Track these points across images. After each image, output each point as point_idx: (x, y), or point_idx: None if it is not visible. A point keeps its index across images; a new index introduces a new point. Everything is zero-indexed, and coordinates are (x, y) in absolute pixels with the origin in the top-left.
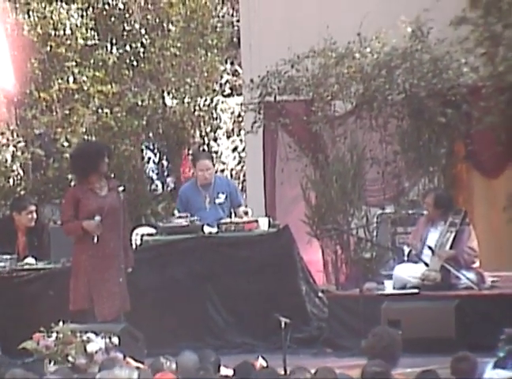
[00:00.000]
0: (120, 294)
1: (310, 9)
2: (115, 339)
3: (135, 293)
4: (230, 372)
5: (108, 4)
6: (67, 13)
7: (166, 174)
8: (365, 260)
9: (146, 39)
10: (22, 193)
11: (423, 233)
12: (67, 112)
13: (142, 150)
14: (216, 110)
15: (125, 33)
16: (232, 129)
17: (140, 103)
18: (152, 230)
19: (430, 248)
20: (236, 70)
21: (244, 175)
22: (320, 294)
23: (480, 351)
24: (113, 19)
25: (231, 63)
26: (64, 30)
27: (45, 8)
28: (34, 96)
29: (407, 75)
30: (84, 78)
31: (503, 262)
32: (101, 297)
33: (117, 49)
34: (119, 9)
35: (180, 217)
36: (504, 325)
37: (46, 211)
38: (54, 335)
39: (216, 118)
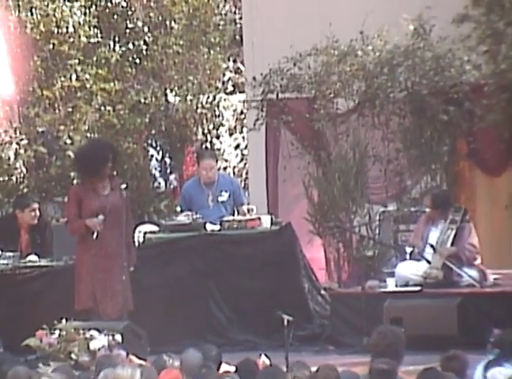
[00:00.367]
0: (123, 292)
1: (313, 7)
2: (118, 337)
3: (138, 291)
4: (231, 369)
5: (111, 2)
6: (70, 10)
7: (169, 171)
8: (367, 258)
9: (149, 37)
10: (25, 190)
11: (425, 231)
12: (70, 110)
13: (145, 147)
14: (218, 107)
15: (127, 31)
16: (235, 127)
17: (143, 100)
18: (155, 228)
19: (431, 246)
20: (239, 68)
21: (246, 173)
22: (322, 292)
23: (482, 349)
24: (116, 17)
25: (234, 61)
26: (67, 28)
27: (48, 6)
28: (37, 94)
29: (409, 73)
30: (87, 76)
31: (506, 260)
32: (105, 295)
33: (120, 47)
34: (122, 6)
35: (183, 215)
36: (506, 323)
37: (48, 208)
38: (57, 332)
39: (219, 116)
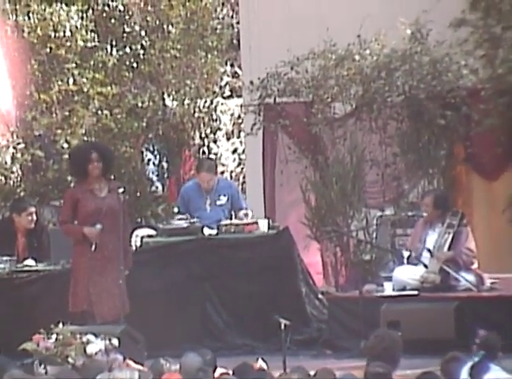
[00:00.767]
0: (120, 295)
1: (310, 11)
2: (115, 341)
3: (135, 294)
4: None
5: (108, 6)
6: (67, 14)
7: (166, 175)
8: (365, 262)
9: (146, 41)
10: (22, 194)
11: (422, 235)
12: (67, 114)
13: (142, 152)
14: (215, 111)
15: (125, 35)
16: (232, 131)
17: (140, 104)
18: (152, 232)
19: (428, 250)
20: (236, 72)
21: (244, 177)
22: (320, 296)
23: None
24: (113, 21)
25: (231, 65)
26: (64, 32)
27: (45, 10)
28: (34, 98)
29: (406, 77)
30: (84, 80)
31: (503, 264)
32: (100, 298)
33: (117, 51)
34: (119, 10)
35: (180, 219)
36: (503, 327)
37: (45, 212)
38: (54, 336)
39: (216, 120)
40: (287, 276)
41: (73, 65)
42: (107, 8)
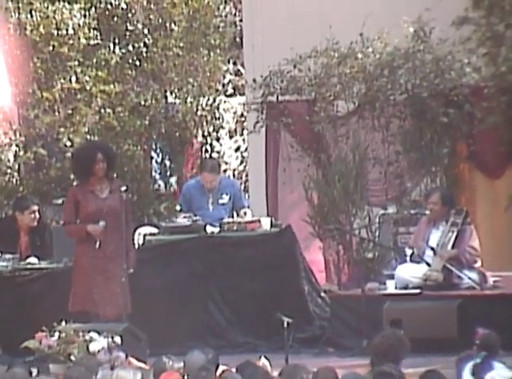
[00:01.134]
0: (122, 294)
1: (313, 9)
2: (118, 339)
3: (137, 292)
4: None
5: (111, 4)
6: (70, 12)
7: (169, 173)
8: (367, 260)
9: (149, 39)
10: (24, 192)
11: (425, 233)
12: (70, 112)
13: (145, 150)
14: (218, 109)
15: (127, 33)
16: (235, 129)
17: (142, 102)
18: (155, 230)
19: (432, 248)
20: (239, 70)
21: (246, 175)
22: (322, 294)
23: None
24: (115, 19)
25: (234, 63)
26: (66, 30)
27: (47, 8)
28: (36, 96)
29: (409, 75)
30: (87, 78)
31: (506, 262)
32: (103, 297)
33: (119, 49)
34: (122, 8)
35: (183, 217)
36: (506, 325)
37: (48, 211)
38: (57, 334)
39: (219, 118)
40: (289, 274)
41: (76, 63)
42: (109, 6)
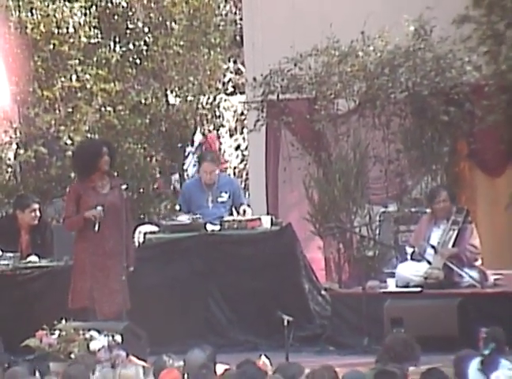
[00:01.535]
0: (122, 291)
1: (313, 8)
2: (118, 337)
3: (138, 291)
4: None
5: (111, 2)
6: (70, 11)
7: (169, 172)
8: (368, 259)
9: (149, 38)
10: (25, 191)
11: (426, 231)
12: (70, 110)
13: (145, 148)
14: (218, 108)
15: (128, 31)
16: (235, 128)
17: (143, 101)
18: (155, 228)
19: (432, 246)
20: (239, 68)
21: (247, 173)
22: (323, 292)
23: None
24: (116, 17)
25: (234, 61)
26: (67, 28)
27: (48, 6)
28: (37, 94)
29: (410, 73)
30: (88, 76)
31: (506, 260)
32: (102, 295)
33: (120, 47)
34: (122, 7)
35: (183, 215)
36: (506, 323)
37: (49, 209)
38: (57, 332)
39: (219, 117)
40: (290, 273)
41: (77, 61)
42: (110, 4)
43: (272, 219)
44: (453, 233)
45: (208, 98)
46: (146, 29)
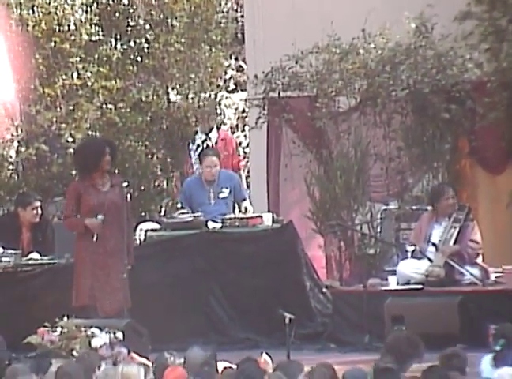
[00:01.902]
0: (123, 289)
1: (314, 5)
2: (120, 335)
3: (139, 288)
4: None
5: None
6: (71, 8)
7: (170, 169)
8: (369, 256)
9: (150, 35)
10: (26, 188)
11: (428, 229)
12: (71, 108)
13: (146, 146)
14: (220, 105)
15: (129, 29)
16: (236, 125)
17: (144, 98)
18: (156, 226)
19: (434, 244)
20: (240, 66)
21: (248, 171)
22: (324, 290)
23: (483, 347)
24: (117, 14)
25: (236, 59)
26: (68, 26)
27: (49, 3)
28: (38, 92)
29: (411, 71)
30: (89, 74)
31: (507, 258)
32: (103, 292)
33: (121, 44)
34: (123, 4)
35: (184, 212)
36: (507, 321)
37: (50, 207)
38: (59, 329)
39: (220, 114)
40: (291, 270)
41: (78, 59)
42: (111, 2)
43: (273, 217)
44: (454, 230)
45: (210, 95)
46: (147, 27)
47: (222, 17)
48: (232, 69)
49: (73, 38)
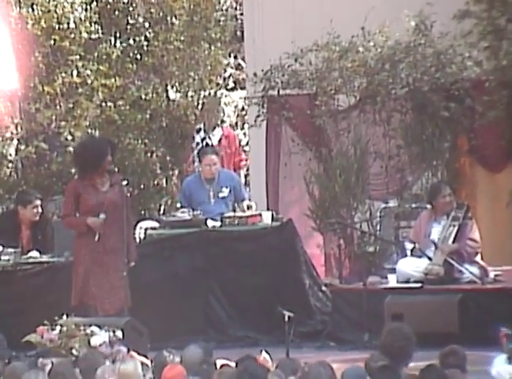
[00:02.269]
0: (122, 288)
1: (314, 3)
2: (119, 333)
3: (138, 286)
4: (231, 365)
5: None
6: (71, 6)
7: (169, 168)
8: (368, 254)
9: (150, 33)
10: (26, 187)
11: (427, 227)
12: (71, 106)
13: (146, 144)
14: (219, 103)
15: (128, 27)
16: (236, 123)
17: (143, 96)
18: (156, 224)
19: (433, 242)
20: (240, 64)
21: (247, 169)
22: (323, 288)
23: (483, 345)
24: (117, 12)
25: (235, 57)
26: (68, 24)
27: (49, 1)
28: (38, 90)
29: (410, 69)
30: (88, 72)
31: (507, 256)
32: (102, 291)
33: (121, 43)
34: (123, 2)
35: (183, 211)
36: (507, 319)
37: (49, 205)
38: (58, 328)
39: (220, 112)
40: (290, 268)
41: (77, 57)
42: (110, 0)
43: (272, 215)
44: (453, 229)
45: (209, 93)
46: (147, 24)
47: (221, 15)
48: (231, 67)
49: (72, 36)
